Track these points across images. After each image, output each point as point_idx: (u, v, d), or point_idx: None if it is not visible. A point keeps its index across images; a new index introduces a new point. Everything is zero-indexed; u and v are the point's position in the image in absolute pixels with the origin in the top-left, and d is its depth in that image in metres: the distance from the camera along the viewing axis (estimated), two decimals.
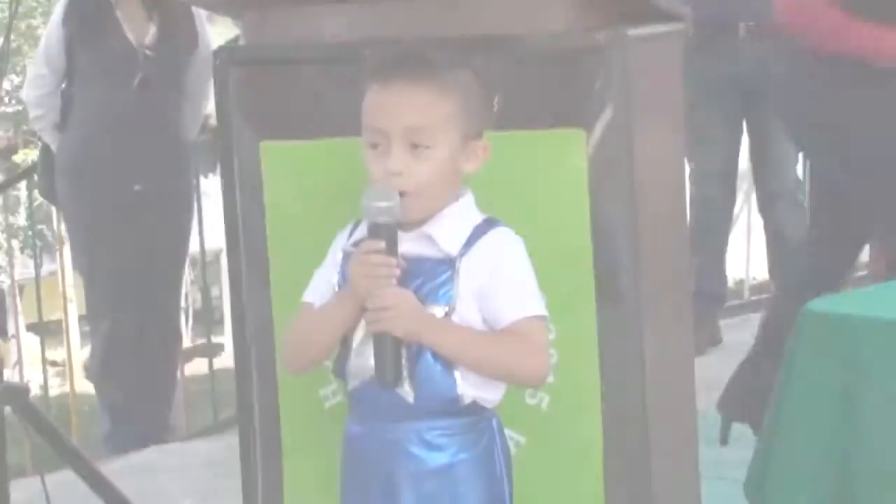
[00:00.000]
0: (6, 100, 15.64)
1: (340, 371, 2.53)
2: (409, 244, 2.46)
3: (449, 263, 2.45)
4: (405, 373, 2.43)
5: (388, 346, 2.41)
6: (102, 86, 5.10)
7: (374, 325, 2.41)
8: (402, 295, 2.41)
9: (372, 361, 2.45)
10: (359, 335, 2.49)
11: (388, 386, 2.43)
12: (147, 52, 5.07)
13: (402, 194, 2.41)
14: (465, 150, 2.48)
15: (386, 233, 2.41)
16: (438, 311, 2.44)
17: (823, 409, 2.76)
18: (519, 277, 2.47)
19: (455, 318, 2.45)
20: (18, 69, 15.38)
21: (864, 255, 7.92)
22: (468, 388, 2.45)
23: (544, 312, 2.48)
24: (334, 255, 2.57)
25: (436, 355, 2.43)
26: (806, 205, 5.69)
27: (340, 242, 2.58)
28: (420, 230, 2.48)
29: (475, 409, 2.47)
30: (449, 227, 2.48)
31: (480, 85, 2.53)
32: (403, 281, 2.43)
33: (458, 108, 2.46)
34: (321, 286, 2.57)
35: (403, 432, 2.46)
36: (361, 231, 2.51)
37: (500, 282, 2.45)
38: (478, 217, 2.52)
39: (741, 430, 4.62)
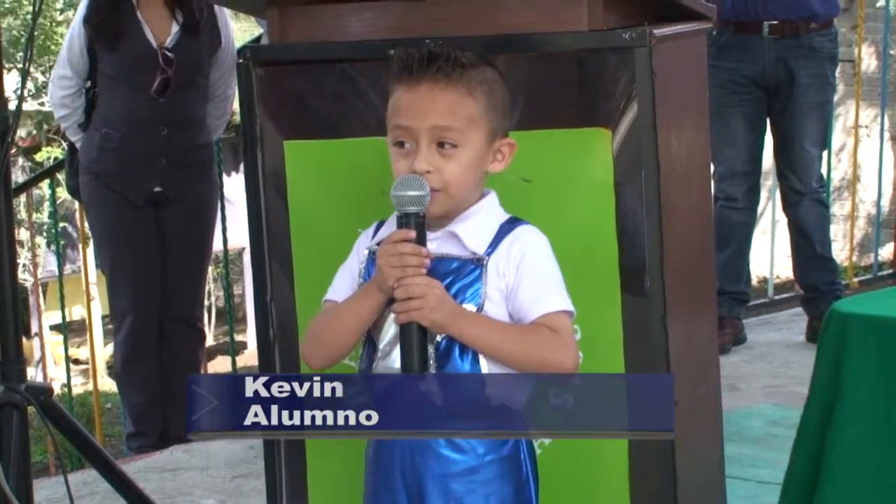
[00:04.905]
0: (30, 100, 15.69)
1: (366, 373, 2.52)
2: (435, 244, 2.45)
3: (476, 263, 2.45)
4: (432, 370, 2.42)
5: (415, 338, 2.39)
6: (123, 87, 5.09)
7: (402, 316, 2.39)
8: (430, 284, 2.39)
9: (398, 364, 2.43)
10: (386, 337, 2.48)
11: None
12: (168, 53, 5.06)
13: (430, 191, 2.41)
14: (491, 149, 2.48)
15: (415, 223, 2.40)
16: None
17: (868, 411, 2.73)
18: (545, 273, 2.46)
19: None
20: (43, 69, 15.41)
21: (889, 252, 7.92)
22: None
23: (571, 308, 2.46)
24: (357, 254, 2.56)
25: (463, 357, 2.42)
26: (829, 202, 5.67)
27: (364, 242, 2.57)
28: (446, 230, 2.47)
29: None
30: (475, 227, 2.47)
31: (504, 84, 2.52)
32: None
33: (484, 108, 2.45)
34: (344, 284, 2.56)
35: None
36: (386, 230, 2.50)
37: (526, 278, 2.43)
38: (502, 215, 2.51)
39: (761, 430, 4.61)
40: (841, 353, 2.77)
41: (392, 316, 2.44)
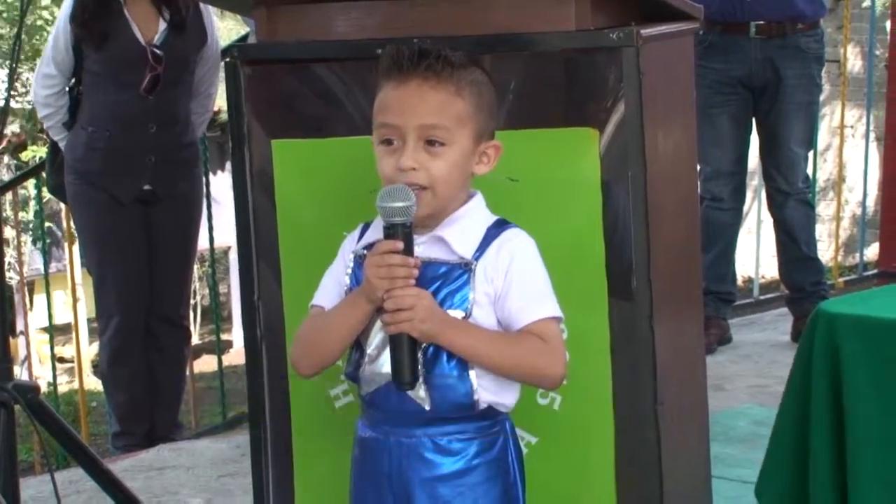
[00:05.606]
0: (20, 99, 15.65)
1: (353, 376, 2.51)
2: (421, 248, 2.44)
3: (464, 268, 2.43)
4: (421, 378, 2.41)
5: (405, 348, 2.38)
6: (110, 85, 5.07)
7: (391, 327, 2.38)
8: (419, 295, 2.38)
9: (386, 369, 2.42)
10: (373, 342, 2.47)
11: (405, 388, 2.41)
12: (156, 50, 5.06)
13: (415, 191, 2.39)
14: (477, 150, 2.47)
15: (402, 233, 2.38)
16: (455, 316, 2.42)
17: (864, 411, 2.74)
18: (533, 279, 2.45)
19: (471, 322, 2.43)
20: (30, 66, 15.37)
21: (874, 252, 7.94)
22: (484, 393, 2.43)
23: (559, 313, 2.45)
24: (343, 258, 2.55)
25: (451, 361, 2.41)
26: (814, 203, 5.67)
27: (349, 245, 2.55)
28: (433, 234, 2.46)
29: (490, 413, 2.46)
30: (462, 231, 2.45)
31: (492, 86, 2.52)
32: (419, 286, 2.40)
33: (473, 108, 2.44)
34: (331, 289, 2.54)
35: (417, 438, 2.45)
36: (373, 234, 2.49)
37: (514, 284, 2.42)
38: (490, 218, 2.50)
39: (746, 430, 4.62)
40: (830, 353, 2.78)
41: (379, 322, 2.43)
